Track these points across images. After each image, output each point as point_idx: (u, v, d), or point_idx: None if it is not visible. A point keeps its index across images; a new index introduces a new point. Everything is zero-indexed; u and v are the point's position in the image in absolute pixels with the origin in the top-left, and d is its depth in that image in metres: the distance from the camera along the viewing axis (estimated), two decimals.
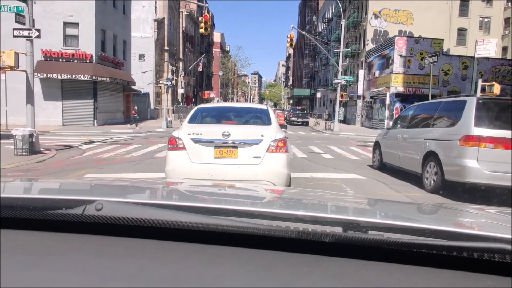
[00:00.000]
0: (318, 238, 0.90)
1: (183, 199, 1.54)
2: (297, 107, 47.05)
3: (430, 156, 7.13)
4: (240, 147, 5.16)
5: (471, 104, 6.38)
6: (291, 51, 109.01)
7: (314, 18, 71.06)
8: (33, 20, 11.79)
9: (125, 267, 0.82)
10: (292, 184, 7.07)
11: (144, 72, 36.75)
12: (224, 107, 7.11)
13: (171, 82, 32.25)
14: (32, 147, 11.12)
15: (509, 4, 41.85)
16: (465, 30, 40.82)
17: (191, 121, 5.85)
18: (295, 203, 1.62)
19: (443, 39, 32.20)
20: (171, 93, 43.18)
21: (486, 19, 41.40)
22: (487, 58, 26.30)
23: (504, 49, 39.26)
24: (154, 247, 0.91)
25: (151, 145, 14.18)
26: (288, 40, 25.18)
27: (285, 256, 0.88)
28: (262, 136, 5.18)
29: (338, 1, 32.65)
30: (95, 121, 25.48)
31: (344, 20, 30.66)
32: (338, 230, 0.95)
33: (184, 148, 5.22)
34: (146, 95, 37.84)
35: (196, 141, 5.21)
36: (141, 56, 38.00)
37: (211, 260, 0.86)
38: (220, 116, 6.20)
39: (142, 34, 37.93)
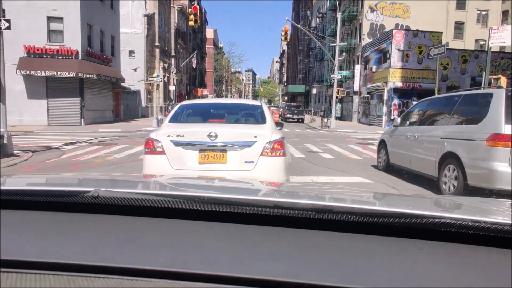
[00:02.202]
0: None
1: (175, 189, 1.60)
2: (292, 103, 46.24)
3: (449, 158, 6.21)
4: (230, 150, 4.26)
5: (500, 98, 5.47)
6: (285, 47, 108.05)
7: (308, 13, 70.08)
8: (3, 10, 10.73)
9: (119, 237, 0.94)
10: None
11: (134, 69, 35.68)
12: (211, 104, 6.14)
13: (161, 78, 31.24)
14: (3, 149, 10.11)
15: None
16: (463, 23, 40.10)
17: (173, 120, 4.92)
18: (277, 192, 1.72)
19: (441, 32, 31.42)
20: (162, 90, 42.15)
21: (483, 12, 40.69)
22: (487, 52, 25.61)
23: None
24: (144, 222, 1.04)
25: (138, 146, 13.16)
26: (283, 33, 24.23)
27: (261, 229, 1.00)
28: (256, 137, 4.27)
29: None
30: (82, 120, 24.42)
31: (339, 13, 29.74)
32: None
33: (163, 152, 4.31)
34: (137, 92, 36.80)
35: (177, 143, 4.29)
36: (131, 53, 36.94)
37: (188, 232, 0.98)
38: (206, 114, 5.26)
39: (132, 30, 36.89)
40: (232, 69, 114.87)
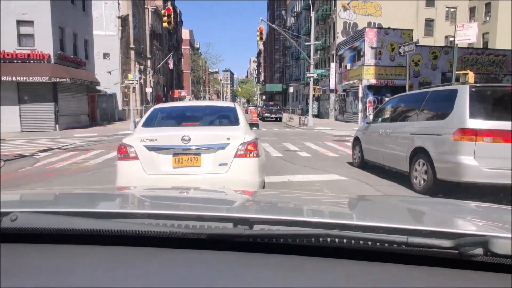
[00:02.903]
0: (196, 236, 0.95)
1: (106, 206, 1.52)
2: (270, 102, 46.43)
3: (419, 153, 6.44)
4: (203, 153, 4.30)
5: (464, 94, 5.71)
6: (261, 47, 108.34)
7: (283, 12, 70.50)
8: None
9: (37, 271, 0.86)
10: None
11: (109, 72, 35.07)
12: (185, 107, 6.14)
13: (137, 81, 30.84)
14: None
15: None
16: (432, 20, 41.20)
17: (146, 124, 4.92)
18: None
19: (412, 30, 32.24)
20: (139, 93, 41.60)
21: (452, 9, 41.93)
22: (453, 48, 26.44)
23: None
24: (74, 251, 0.96)
25: (115, 150, 12.91)
26: (258, 33, 24.33)
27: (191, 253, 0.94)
28: (229, 139, 4.33)
29: None
30: (57, 125, 23.85)
31: (313, 13, 30.09)
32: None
33: (136, 158, 4.31)
34: (113, 95, 36.20)
35: (150, 148, 4.30)
36: (105, 55, 36.29)
37: (122, 261, 0.91)
38: (180, 118, 5.27)
39: (106, 32, 36.25)
40: (210, 70, 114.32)
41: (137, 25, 43.71)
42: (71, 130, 23.58)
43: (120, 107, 37.76)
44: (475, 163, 5.41)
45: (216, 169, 4.27)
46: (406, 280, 0.84)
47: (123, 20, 37.92)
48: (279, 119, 35.69)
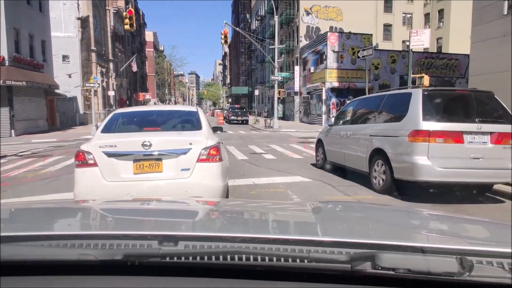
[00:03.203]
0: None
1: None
2: (236, 105, 46.51)
3: (377, 154, 6.70)
4: (165, 158, 4.25)
5: (417, 96, 6.01)
6: (227, 49, 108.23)
7: (248, 15, 70.80)
8: None
9: None
10: (232, 194, 6.28)
11: (69, 75, 33.83)
12: (147, 111, 6.04)
13: (99, 84, 29.93)
14: None
15: (428, 0, 44.66)
16: (390, 25, 42.83)
17: (106, 130, 4.81)
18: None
19: (371, 34, 33.35)
20: (101, 96, 40.40)
21: (408, 15, 43.77)
22: (413, 52, 27.64)
23: None
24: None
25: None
26: (222, 36, 24.32)
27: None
28: (191, 144, 4.31)
29: None
30: (13, 131, 22.73)
31: (277, 17, 30.48)
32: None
33: (95, 164, 4.21)
34: (73, 99, 34.92)
35: (110, 154, 4.21)
36: (65, 57, 34.97)
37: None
38: (141, 123, 5.18)
39: (65, 33, 34.94)
40: (175, 72, 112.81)
41: (98, 27, 42.47)
42: (28, 135, 22.53)
43: (81, 111, 36.50)
44: (429, 162, 5.69)
45: (179, 174, 4.24)
46: None
47: (83, 21, 36.73)
48: (245, 122, 35.80)
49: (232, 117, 36.00)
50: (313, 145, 12.59)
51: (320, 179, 8.00)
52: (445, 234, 1.35)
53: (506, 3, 13.24)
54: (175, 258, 0.92)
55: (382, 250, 0.87)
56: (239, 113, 36.64)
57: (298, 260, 0.87)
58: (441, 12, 43.37)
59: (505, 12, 13.23)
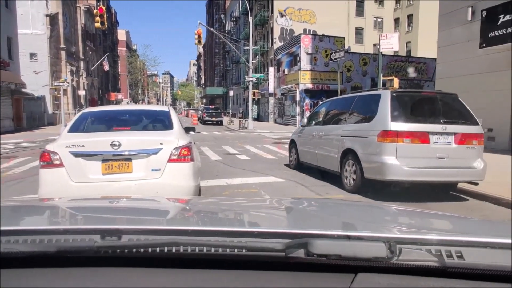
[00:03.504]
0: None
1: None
2: (211, 106, 46.27)
3: (348, 154, 6.83)
4: (135, 159, 4.17)
5: (386, 98, 6.17)
6: (202, 50, 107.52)
7: (222, 16, 70.65)
8: None
9: None
10: (205, 195, 6.25)
11: (36, 73, 32.69)
12: (116, 111, 5.91)
13: (68, 83, 29.08)
14: None
15: (398, 5, 45.97)
16: (362, 29, 43.82)
17: (73, 129, 4.68)
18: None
19: (344, 37, 33.99)
20: (71, 95, 39.26)
21: (379, 19, 44.91)
22: (383, 55, 28.40)
23: None
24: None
25: None
26: (196, 36, 24.14)
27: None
28: (162, 144, 4.25)
29: None
30: None
31: (251, 18, 30.56)
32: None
33: (61, 165, 4.08)
34: (42, 98, 33.75)
35: (77, 154, 4.10)
36: (32, 55, 33.79)
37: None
38: (110, 122, 5.07)
39: (33, 30, 33.77)
40: (148, 72, 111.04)
41: (68, 24, 41.28)
42: None
43: (50, 110, 35.34)
44: (397, 162, 5.86)
45: (149, 174, 4.18)
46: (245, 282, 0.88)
47: (52, 18, 35.61)
48: (220, 123, 35.67)
49: (207, 118, 35.80)
50: (287, 146, 12.70)
51: (293, 180, 8.08)
52: (391, 224, 1.43)
53: (470, 9, 13.79)
54: (118, 251, 0.93)
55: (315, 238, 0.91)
56: (214, 113, 36.47)
57: (236, 250, 0.91)
58: (410, 17, 44.75)
59: (469, 18, 13.78)
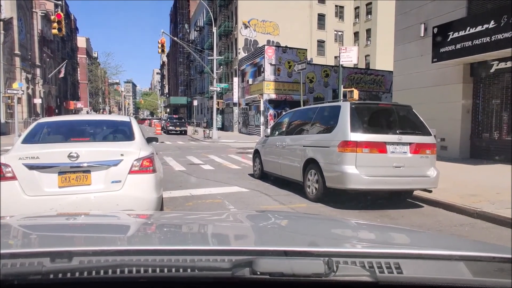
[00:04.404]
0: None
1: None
2: (174, 115, 45.66)
3: (310, 164, 6.98)
4: (94, 170, 4.05)
5: (346, 109, 6.39)
6: (165, 59, 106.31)
7: (186, 26, 70.36)
8: None
9: None
10: (168, 206, 6.16)
11: None
12: (75, 121, 5.71)
13: (23, 90, 27.75)
14: None
15: (357, 20, 47.81)
16: (323, 42, 45.09)
17: (27, 140, 4.48)
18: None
19: (306, 49, 34.84)
20: (26, 104, 37.48)
21: (339, 33, 46.42)
22: (343, 67, 29.37)
23: None
24: None
25: None
26: (159, 45, 23.90)
27: None
28: (122, 155, 4.15)
29: (209, 9, 32.59)
30: None
31: (215, 28, 30.68)
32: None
33: (14, 178, 3.89)
34: None
35: (31, 167, 3.92)
36: None
37: None
38: (68, 133, 4.90)
39: None
40: (110, 81, 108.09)
41: (24, 30, 39.57)
42: None
43: (2, 119, 33.50)
44: (357, 171, 6.06)
45: (109, 187, 4.06)
46: None
47: (6, 23, 34.02)
48: (184, 132, 35.29)
49: (170, 128, 35.29)
50: (251, 156, 12.78)
51: (257, 189, 8.13)
52: (340, 238, 1.47)
53: (422, 26, 14.60)
54: (69, 275, 0.89)
55: (260, 256, 0.93)
56: (178, 123, 36.03)
57: (184, 270, 0.90)
58: (368, 31, 46.65)
59: (422, 34, 14.58)
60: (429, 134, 6.63)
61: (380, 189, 6.31)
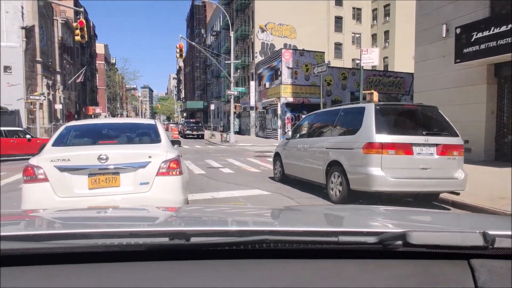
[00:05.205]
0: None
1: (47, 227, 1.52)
2: (191, 120, 46.06)
3: (334, 166, 6.89)
4: (123, 172, 4.09)
5: (370, 110, 6.29)
6: (182, 64, 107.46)
7: (203, 31, 71.04)
8: None
9: None
10: None
11: (10, 85, 31.86)
12: (101, 124, 5.80)
13: (44, 96, 28.47)
14: None
15: (375, 21, 47.36)
16: (341, 44, 44.83)
17: (57, 143, 4.55)
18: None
19: (324, 52, 34.65)
20: (47, 110, 38.39)
21: (357, 35, 46.10)
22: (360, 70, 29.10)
23: None
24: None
25: (17, 173, 11.74)
26: (178, 50, 24.14)
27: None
28: (150, 157, 4.18)
29: (226, 13, 32.82)
30: None
31: (232, 32, 30.84)
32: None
33: (46, 179, 3.96)
34: (16, 112, 32.81)
35: (62, 169, 3.98)
36: (6, 68, 32.97)
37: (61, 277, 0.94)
38: (96, 135, 4.97)
39: (7, 43, 33.02)
40: (127, 86, 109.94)
41: (45, 37, 40.60)
42: None
43: (24, 125, 34.39)
44: (382, 173, 5.95)
45: (137, 188, 4.09)
46: (343, 270, 1.00)
47: (28, 31, 34.97)
48: (201, 136, 35.50)
49: (188, 132, 35.55)
50: (270, 159, 12.74)
51: (279, 192, 8.07)
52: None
53: (444, 26, 14.34)
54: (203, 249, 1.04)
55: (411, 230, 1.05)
56: (195, 127, 36.27)
57: (325, 245, 1.06)
58: (386, 33, 46.11)
59: (444, 35, 14.31)
60: (456, 135, 6.47)
61: (406, 191, 6.18)
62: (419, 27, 16.07)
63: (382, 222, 1.62)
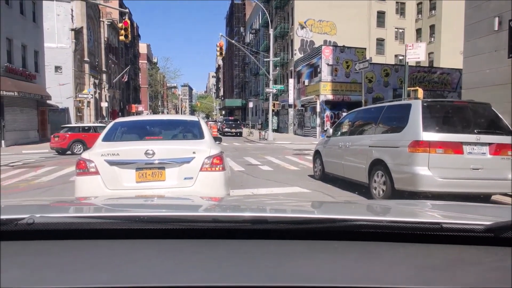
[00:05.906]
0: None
1: (112, 210, 1.67)
2: (230, 117, 46.59)
3: (377, 165, 6.69)
4: (168, 167, 4.21)
5: (417, 107, 6.04)
6: (221, 62, 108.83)
7: (242, 29, 71.48)
8: None
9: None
10: None
11: (62, 85, 33.66)
12: (147, 121, 6.00)
13: (92, 95, 29.84)
14: None
15: (420, 16, 45.54)
16: (383, 40, 43.51)
17: (107, 138, 4.76)
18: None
19: (365, 48, 33.80)
20: (94, 107, 40.24)
21: (400, 30, 44.55)
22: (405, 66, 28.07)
23: None
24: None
25: (68, 166, 12.39)
26: (218, 48, 24.47)
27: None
28: (194, 152, 4.27)
29: (265, 11, 32.81)
30: (3, 141, 22.38)
31: (272, 30, 30.79)
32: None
33: (97, 173, 4.15)
34: (65, 110, 34.67)
35: (112, 163, 4.16)
36: (57, 68, 34.85)
37: (127, 251, 1.04)
38: (142, 131, 5.15)
39: (58, 44, 34.87)
40: (168, 84, 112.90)
41: (92, 38, 42.53)
42: (19, 146, 22.25)
43: (73, 122, 36.25)
44: (429, 173, 5.70)
45: (182, 183, 4.19)
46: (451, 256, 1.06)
47: (77, 32, 36.77)
48: (239, 134, 35.81)
49: (226, 129, 36.00)
50: (309, 157, 12.61)
51: (319, 190, 7.96)
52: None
53: (497, 19, 13.52)
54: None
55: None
56: (233, 125, 36.66)
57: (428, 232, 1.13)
58: (432, 27, 44.19)
59: (496, 28, 13.50)
60: (511, 133, 6.08)
61: (455, 192, 5.87)
62: (469, 20, 15.26)
63: (460, 214, 1.63)
